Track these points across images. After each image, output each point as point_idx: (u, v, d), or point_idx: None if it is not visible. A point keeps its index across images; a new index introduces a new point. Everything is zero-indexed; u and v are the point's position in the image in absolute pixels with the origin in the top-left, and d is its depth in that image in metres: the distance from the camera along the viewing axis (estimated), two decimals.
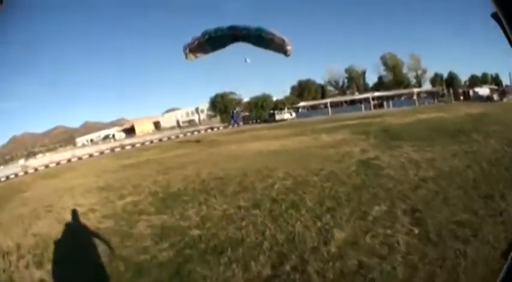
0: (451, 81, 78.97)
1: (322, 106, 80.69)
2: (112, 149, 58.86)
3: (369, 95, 77.64)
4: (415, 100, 72.32)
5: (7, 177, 43.37)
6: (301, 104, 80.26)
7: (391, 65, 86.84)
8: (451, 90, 73.44)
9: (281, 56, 15.40)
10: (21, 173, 46.02)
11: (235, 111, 50.18)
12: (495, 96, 63.35)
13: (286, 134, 41.08)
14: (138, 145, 59.68)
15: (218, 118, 79.94)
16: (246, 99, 79.02)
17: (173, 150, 41.19)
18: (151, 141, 62.58)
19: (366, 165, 17.54)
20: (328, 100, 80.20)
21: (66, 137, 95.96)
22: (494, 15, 1.64)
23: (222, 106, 73.88)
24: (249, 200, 13.96)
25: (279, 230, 10.42)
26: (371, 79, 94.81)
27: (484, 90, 69.06)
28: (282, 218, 11.32)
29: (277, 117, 74.23)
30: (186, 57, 17.53)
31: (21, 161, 56.87)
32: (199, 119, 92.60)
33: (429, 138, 22.86)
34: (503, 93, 64.16)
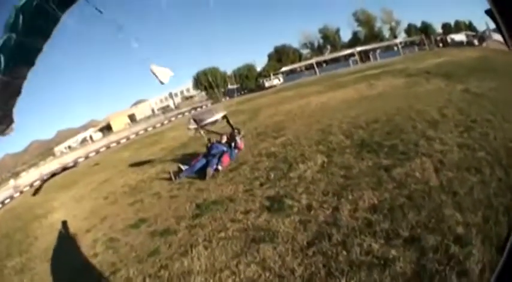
0: (426, 30, 79.21)
1: (303, 68, 79.14)
2: (97, 151, 54.62)
3: (352, 50, 76.50)
4: (400, 51, 71.91)
5: (3, 203, 38.28)
6: (284, 68, 78.08)
7: (364, 21, 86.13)
8: (432, 39, 73.75)
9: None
10: (16, 194, 41.63)
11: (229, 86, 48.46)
12: (475, 41, 64.17)
13: (320, 90, 37.83)
14: (123, 141, 55.60)
15: (196, 98, 77.42)
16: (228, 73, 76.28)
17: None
18: (146, 130, 58.61)
19: (473, 94, 17.23)
20: (313, 60, 78.41)
21: (43, 150, 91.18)
22: (489, 12, 1.74)
23: (207, 83, 70.96)
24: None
25: None
26: (345, 36, 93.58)
27: (460, 37, 69.96)
28: None
29: (267, 84, 71.60)
30: None
31: (12, 182, 51.75)
32: (174, 103, 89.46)
33: (473, 74, 23.18)
34: (482, 38, 64.81)
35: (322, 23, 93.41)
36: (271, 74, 74.96)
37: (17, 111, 13.55)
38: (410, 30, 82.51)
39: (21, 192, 42.00)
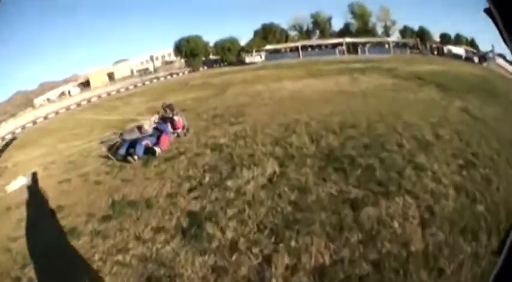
0: (422, 35, 77.39)
1: (287, 50, 76.98)
2: (78, 104, 52.25)
3: (341, 40, 74.40)
4: (390, 49, 70.20)
5: None
6: (268, 47, 75.66)
7: (359, 14, 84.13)
8: (427, 45, 72.24)
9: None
10: None
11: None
12: (475, 59, 62.70)
13: (299, 74, 35.69)
14: (94, 99, 53.43)
15: (176, 64, 74.73)
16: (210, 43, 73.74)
17: (170, 97, 31.79)
18: (118, 91, 55.97)
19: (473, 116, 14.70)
20: (299, 43, 75.93)
21: (24, 101, 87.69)
22: (488, 11, 1.64)
23: (188, 50, 68.40)
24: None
25: None
26: (336, 26, 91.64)
27: (458, 50, 68.15)
28: None
29: (247, 60, 68.72)
30: None
31: None
32: (154, 66, 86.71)
33: (472, 91, 19.81)
34: (483, 58, 63.42)
35: (316, 9, 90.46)
36: (254, 51, 72.45)
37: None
38: (405, 32, 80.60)
39: None
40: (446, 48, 68.44)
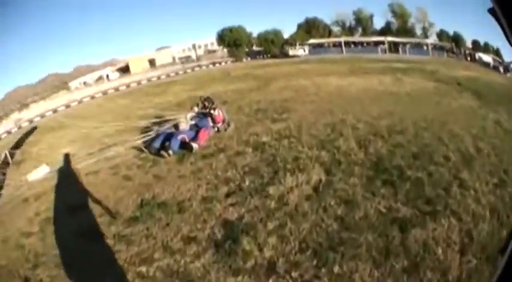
0: (457, 40, 75.73)
1: (331, 45, 75.98)
2: (116, 89, 51.84)
3: (383, 38, 73.14)
4: (429, 51, 68.87)
5: None
6: (311, 41, 74.82)
7: (399, 14, 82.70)
8: (461, 50, 70.85)
9: None
10: (15, 129, 38.09)
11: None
12: (501, 69, 61.22)
13: (343, 71, 34.17)
14: (144, 82, 52.96)
15: (219, 53, 74.38)
16: (254, 35, 73.24)
17: (211, 86, 29.50)
18: (159, 77, 55.61)
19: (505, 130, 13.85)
20: (342, 39, 74.96)
21: (58, 83, 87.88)
22: (492, 11, 1.72)
23: (231, 40, 68.17)
24: None
25: None
26: (377, 24, 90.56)
27: (487, 58, 66.71)
28: None
29: (291, 52, 68.08)
30: None
31: (15, 115, 47.34)
32: (196, 55, 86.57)
33: (502, 103, 18.18)
34: (507, 69, 61.87)
35: (357, 6, 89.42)
36: (297, 44, 71.77)
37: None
38: (441, 35, 79.30)
39: (20, 127, 39.14)
40: (478, 55, 67.01)
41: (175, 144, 12.58)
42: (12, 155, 17.78)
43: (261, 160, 11.10)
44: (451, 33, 76.30)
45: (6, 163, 16.51)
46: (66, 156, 14.85)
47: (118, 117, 22.57)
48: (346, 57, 60.11)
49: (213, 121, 14.32)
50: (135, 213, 8.74)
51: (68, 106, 44.80)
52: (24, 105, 59.65)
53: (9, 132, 36.20)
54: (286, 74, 33.84)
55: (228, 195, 8.97)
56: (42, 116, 41.66)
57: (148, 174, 11.34)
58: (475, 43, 77.20)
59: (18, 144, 20.60)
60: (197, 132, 13.19)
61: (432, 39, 77.70)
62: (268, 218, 7.59)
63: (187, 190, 9.60)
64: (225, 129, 14.45)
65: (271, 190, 8.82)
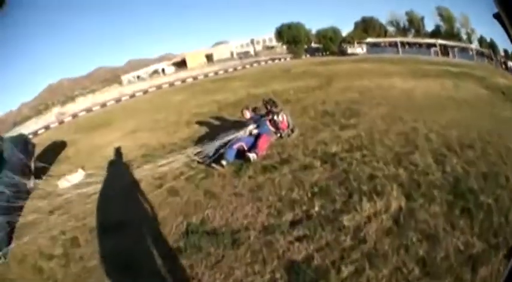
0: (493, 48, 74.72)
1: (387, 44, 74.63)
2: (171, 84, 50.51)
3: (434, 40, 71.97)
4: (474, 56, 67.33)
5: (35, 133, 32.62)
6: (369, 39, 73.68)
7: (446, 17, 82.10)
8: (498, 58, 69.79)
9: None
10: (54, 124, 36.78)
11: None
12: None
13: (402, 71, 31.92)
14: (200, 77, 51.58)
15: (278, 50, 73.96)
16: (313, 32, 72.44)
17: (271, 84, 28.33)
18: (216, 73, 54.70)
19: None
20: (398, 39, 73.87)
21: (109, 77, 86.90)
22: (497, 16, 1.72)
23: (289, 37, 67.48)
24: None
25: None
26: (428, 27, 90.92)
27: None
28: None
29: (349, 50, 67.45)
30: None
31: (56, 109, 46.00)
32: (254, 50, 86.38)
33: None
34: None
35: (410, 7, 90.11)
36: (355, 42, 70.86)
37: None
38: (481, 41, 78.85)
39: (62, 122, 38.08)
40: (510, 63, 65.51)
41: (231, 153, 11.02)
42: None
43: (331, 177, 9.10)
44: (488, 40, 75.91)
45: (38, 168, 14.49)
46: (111, 161, 13.49)
47: (170, 114, 21.65)
48: (403, 57, 59.18)
49: (276, 127, 12.60)
50: (178, 243, 7.11)
51: (118, 100, 44.22)
52: (69, 98, 59.10)
53: (47, 128, 35.58)
54: (347, 73, 31.96)
55: (293, 223, 7.17)
56: (88, 110, 40.85)
57: (199, 189, 9.69)
58: (506, 52, 75.98)
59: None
60: (256, 138, 11.58)
61: (474, 44, 77.03)
62: (342, 260, 5.85)
63: (244, 215, 7.87)
64: (289, 135, 12.63)
65: (345, 220, 6.97)
